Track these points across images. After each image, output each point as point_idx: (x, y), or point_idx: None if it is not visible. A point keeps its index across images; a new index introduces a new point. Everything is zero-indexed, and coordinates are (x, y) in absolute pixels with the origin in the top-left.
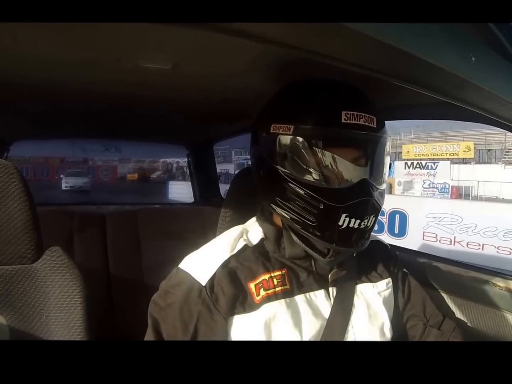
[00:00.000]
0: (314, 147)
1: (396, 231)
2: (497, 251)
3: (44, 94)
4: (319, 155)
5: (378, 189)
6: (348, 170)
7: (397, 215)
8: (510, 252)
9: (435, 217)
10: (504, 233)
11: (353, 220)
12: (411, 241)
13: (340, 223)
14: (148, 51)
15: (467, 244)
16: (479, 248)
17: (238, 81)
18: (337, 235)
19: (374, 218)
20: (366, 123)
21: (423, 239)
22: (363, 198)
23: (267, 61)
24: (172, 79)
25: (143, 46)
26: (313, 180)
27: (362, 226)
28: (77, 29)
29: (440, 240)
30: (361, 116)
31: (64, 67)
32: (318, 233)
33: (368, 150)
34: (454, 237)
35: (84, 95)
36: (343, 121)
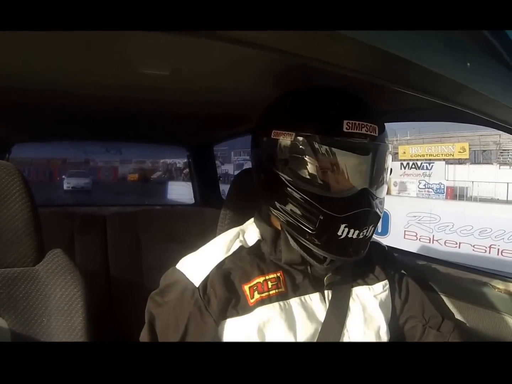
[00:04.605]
0: (315, 156)
1: (379, 230)
2: (473, 249)
3: (45, 97)
4: (320, 163)
5: (378, 198)
6: (349, 179)
7: None
8: (485, 250)
9: (415, 216)
10: (479, 232)
11: (352, 230)
12: (393, 240)
13: (339, 233)
14: (147, 58)
15: (445, 242)
16: (456, 246)
17: (236, 85)
18: (335, 244)
19: (373, 228)
20: (368, 132)
21: (404, 237)
22: (363, 209)
23: (266, 66)
24: (171, 83)
25: (141, 53)
26: (313, 188)
27: (361, 236)
28: (76, 37)
29: (420, 239)
30: (362, 125)
31: (65, 72)
32: (317, 241)
33: (370, 159)
34: (433, 236)
35: (85, 98)
36: (344, 130)
